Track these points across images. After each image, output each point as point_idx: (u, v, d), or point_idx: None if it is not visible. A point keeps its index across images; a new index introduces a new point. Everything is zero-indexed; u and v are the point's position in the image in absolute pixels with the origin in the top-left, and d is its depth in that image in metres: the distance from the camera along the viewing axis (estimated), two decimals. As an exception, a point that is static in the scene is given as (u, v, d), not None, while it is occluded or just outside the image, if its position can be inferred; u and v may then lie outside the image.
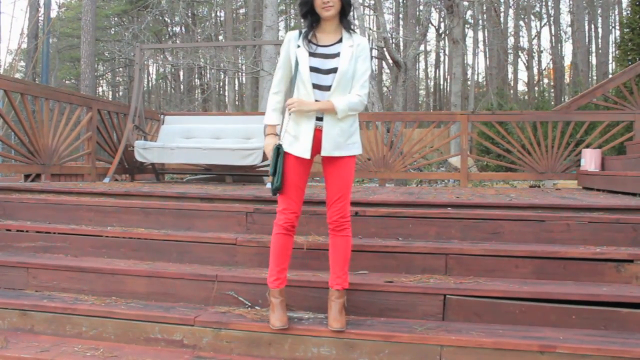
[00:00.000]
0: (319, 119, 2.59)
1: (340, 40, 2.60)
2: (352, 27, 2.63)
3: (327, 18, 2.55)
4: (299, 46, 2.59)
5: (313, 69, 2.56)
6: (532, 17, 28.93)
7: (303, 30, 2.62)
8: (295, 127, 2.61)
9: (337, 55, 2.57)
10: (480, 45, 27.60)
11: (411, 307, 2.79)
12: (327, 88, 2.57)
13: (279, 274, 2.68)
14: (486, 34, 26.53)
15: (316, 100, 2.57)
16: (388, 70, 26.39)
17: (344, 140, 2.61)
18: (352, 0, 2.62)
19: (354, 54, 2.58)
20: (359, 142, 2.69)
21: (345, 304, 2.69)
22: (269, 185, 5.23)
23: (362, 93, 2.61)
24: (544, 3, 28.96)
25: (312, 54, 2.57)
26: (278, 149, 2.59)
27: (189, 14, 23.01)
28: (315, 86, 2.56)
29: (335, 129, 2.59)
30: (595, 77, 25.55)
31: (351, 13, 2.62)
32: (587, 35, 27.69)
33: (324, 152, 2.60)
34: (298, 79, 2.59)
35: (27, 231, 3.66)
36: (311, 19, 2.57)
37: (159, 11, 19.90)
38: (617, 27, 23.02)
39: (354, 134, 2.66)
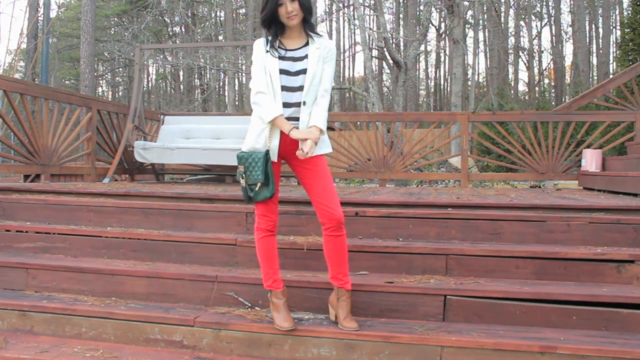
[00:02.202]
0: (287, 118, 2.62)
1: (306, 44, 2.68)
2: (314, 31, 2.69)
3: (292, 26, 2.63)
4: (267, 51, 2.65)
5: (283, 72, 2.62)
6: (533, 17, 28.92)
7: (268, 38, 2.68)
8: (263, 130, 2.63)
9: (305, 57, 2.64)
10: (481, 45, 27.61)
11: (411, 308, 2.78)
12: (296, 89, 2.62)
13: (274, 275, 2.68)
14: (487, 34, 26.54)
15: (284, 103, 2.60)
16: (388, 71, 26.40)
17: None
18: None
19: (321, 56, 2.65)
20: (328, 141, 2.74)
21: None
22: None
23: (327, 94, 2.68)
24: (544, 3, 28.96)
25: (281, 58, 2.64)
26: (266, 155, 2.59)
27: (189, 14, 23.01)
28: (284, 88, 2.61)
29: (307, 126, 2.62)
30: (596, 77, 25.54)
31: (313, 19, 2.69)
32: (587, 35, 27.70)
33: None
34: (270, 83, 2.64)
35: (26, 232, 3.66)
36: (275, 27, 2.65)
37: (159, 11, 19.90)
38: (618, 27, 23.01)
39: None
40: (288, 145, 2.65)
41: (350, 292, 2.66)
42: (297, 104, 2.62)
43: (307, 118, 2.62)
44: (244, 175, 2.62)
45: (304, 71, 2.62)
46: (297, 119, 2.62)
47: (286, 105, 2.61)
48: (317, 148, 2.65)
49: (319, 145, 2.66)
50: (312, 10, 2.65)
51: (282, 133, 2.63)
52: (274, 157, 2.63)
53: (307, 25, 2.65)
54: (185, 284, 3.04)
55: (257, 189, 2.59)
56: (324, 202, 2.60)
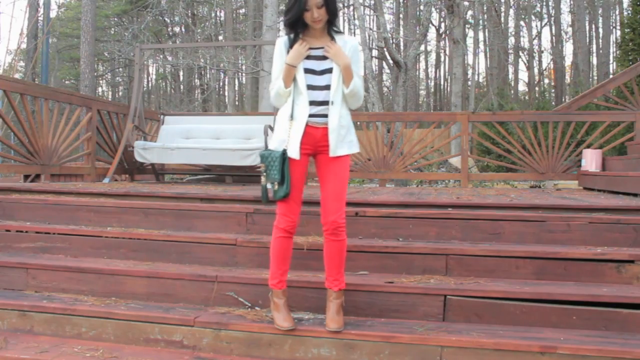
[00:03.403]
0: (312, 115, 2.60)
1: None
2: (336, 29, 2.66)
3: (317, 28, 2.60)
4: (289, 50, 2.62)
5: (308, 71, 2.61)
6: (533, 17, 28.91)
7: (291, 36, 2.65)
8: (287, 126, 2.61)
9: None
10: (481, 45, 27.59)
11: (411, 308, 2.78)
12: (322, 88, 2.60)
13: (281, 276, 2.67)
14: (487, 34, 26.52)
15: (311, 102, 2.58)
16: (388, 71, 26.39)
17: (343, 137, 2.63)
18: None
19: (347, 54, 2.62)
20: (357, 140, 2.72)
21: (343, 304, 2.68)
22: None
23: (361, 88, 2.67)
24: (544, 3, 28.95)
25: (305, 57, 2.61)
26: (283, 154, 2.57)
27: (189, 14, 23.00)
28: (309, 87, 2.60)
29: (337, 125, 2.59)
30: (596, 77, 25.54)
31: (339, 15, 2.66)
32: (587, 35, 27.68)
33: (331, 153, 2.60)
34: (293, 82, 2.63)
35: (26, 232, 3.66)
36: (298, 27, 2.61)
37: (159, 11, 19.90)
38: (618, 27, 23.02)
39: (351, 131, 2.69)
40: (318, 140, 2.61)
41: (339, 293, 2.66)
42: (323, 103, 2.60)
43: (337, 117, 2.60)
44: (265, 173, 2.60)
45: (329, 70, 2.60)
46: (323, 115, 2.60)
47: (312, 103, 2.59)
48: (345, 147, 2.63)
49: (347, 144, 2.64)
50: (337, 13, 2.62)
51: (307, 128, 2.58)
52: (295, 154, 2.58)
53: (331, 25, 2.62)
54: (185, 284, 3.04)
55: (275, 188, 2.58)
56: (327, 204, 2.60)
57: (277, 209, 2.68)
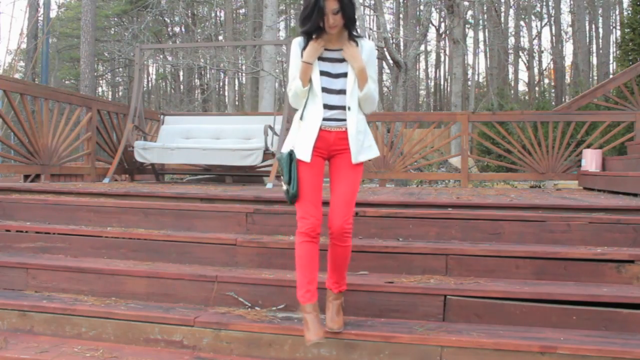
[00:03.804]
0: (326, 119, 2.55)
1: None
2: (356, 34, 2.58)
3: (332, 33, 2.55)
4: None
5: (323, 73, 2.55)
6: (533, 17, 28.92)
7: (305, 37, 2.58)
8: (299, 128, 2.58)
9: (345, 59, 2.56)
10: (481, 45, 27.61)
11: (411, 308, 2.78)
12: (336, 92, 2.56)
13: (308, 285, 2.48)
14: (487, 34, 26.54)
15: (325, 105, 2.54)
16: (388, 71, 26.37)
17: (362, 142, 2.59)
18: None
19: (363, 58, 2.56)
20: (375, 144, 2.67)
21: (343, 304, 2.68)
22: (269, 186, 5.22)
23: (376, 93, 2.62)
24: (544, 3, 28.96)
25: (321, 59, 2.56)
26: (290, 155, 2.53)
27: (189, 14, 23.02)
28: (324, 90, 2.55)
29: (355, 131, 2.55)
30: (596, 77, 25.55)
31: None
32: (587, 35, 27.69)
33: (354, 160, 2.55)
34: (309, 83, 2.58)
35: (26, 232, 3.66)
36: (314, 33, 2.55)
37: (159, 11, 19.90)
38: (618, 27, 23.02)
39: (369, 136, 2.64)
40: (331, 144, 2.57)
41: (339, 294, 2.65)
42: (338, 107, 2.55)
43: (355, 122, 2.55)
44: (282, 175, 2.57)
45: (344, 74, 2.55)
46: (336, 120, 2.55)
47: (326, 107, 2.54)
48: (366, 152, 2.59)
49: (367, 150, 2.59)
50: (354, 19, 2.53)
51: (320, 132, 2.54)
52: (306, 156, 2.53)
53: (349, 31, 2.54)
54: (185, 284, 3.04)
55: (285, 189, 2.54)
56: (336, 209, 2.54)
57: (296, 213, 2.58)
